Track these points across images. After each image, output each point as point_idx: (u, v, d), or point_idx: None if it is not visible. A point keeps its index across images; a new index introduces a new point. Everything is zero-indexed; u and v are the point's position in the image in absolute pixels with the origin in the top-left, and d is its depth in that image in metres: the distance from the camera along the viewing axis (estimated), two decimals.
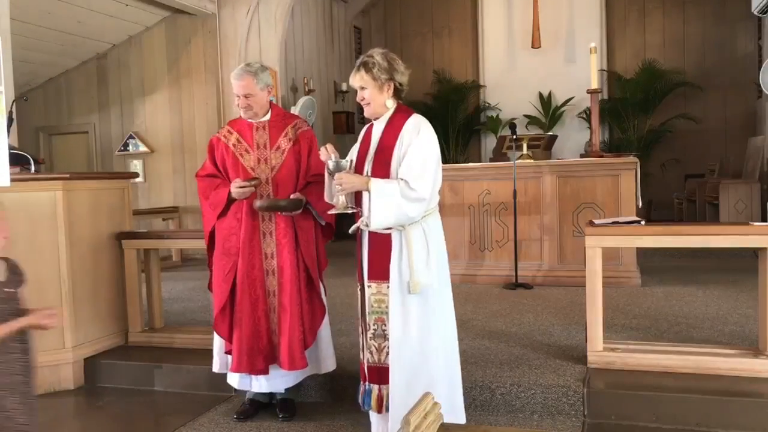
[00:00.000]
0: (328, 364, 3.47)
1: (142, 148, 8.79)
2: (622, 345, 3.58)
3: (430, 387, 2.66)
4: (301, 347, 3.29)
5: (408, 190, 2.63)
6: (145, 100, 8.79)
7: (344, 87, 10.65)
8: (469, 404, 3.35)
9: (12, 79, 5.27)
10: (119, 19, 8.17)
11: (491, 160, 8.08)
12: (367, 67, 2.75)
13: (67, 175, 4.06)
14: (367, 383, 2.84)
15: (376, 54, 2.78)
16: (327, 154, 2.78)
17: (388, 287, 2.74)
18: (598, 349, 3.47)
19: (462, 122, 10.94)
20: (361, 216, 2.81)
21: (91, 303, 4.21)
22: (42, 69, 8.79)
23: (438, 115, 10.80)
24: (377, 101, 2.78)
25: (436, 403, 1.86)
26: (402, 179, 2.65)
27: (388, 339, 2.75)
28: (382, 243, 2.75)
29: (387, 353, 2.75)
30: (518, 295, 5.50)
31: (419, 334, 2.73)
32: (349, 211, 2.79)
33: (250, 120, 3.37)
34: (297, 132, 3.38)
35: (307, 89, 9.36)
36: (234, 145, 3.34)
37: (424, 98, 11.02)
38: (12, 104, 4.44)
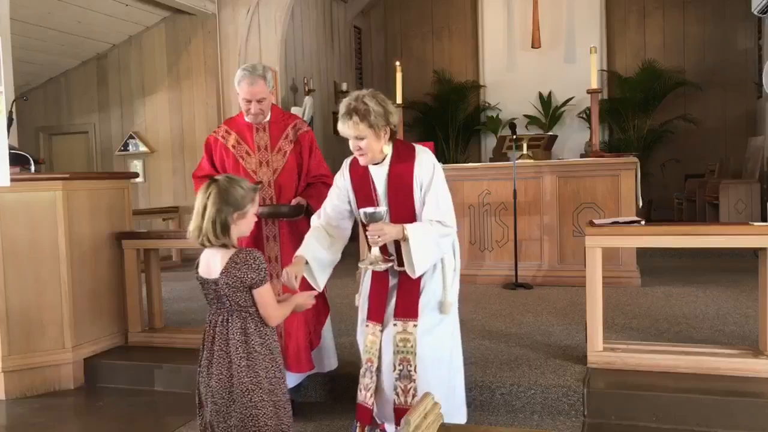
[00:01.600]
0: (331, 363, 3.49)
1: (142, 148, 8.78)
2: (622, 345, 3.58)
3: (445, 396, 2.65)
4: (308, 349, 3.30)
5: (443, 228, 2.61)
6: (145, 101, 8.78)
7: (344, 87, 10.64)
8: (469, 404, 3.34)
9: (12, 79, 5.27)
10: (119, 19, 8.17)
11: (491, 160, 8.07)
12: (360, 114, 2.53)
13: (67, 175, 4.06)
14: (394, 426, 2.75)
15: (367, 99, 2.56)
16: (291, 280, 2.56)
17: (414, 325, 2.68)
18: (598, 349, 3.47)
19: (462, 122, 10.93)
20: (390, 256, 2.72)
21: (91, 303, 4.21)
22: (42, 69, 8.78)
23: (438, 115, 10.80)
24: (376, 149, 2.63)
25: (436, 404, 1.86)
26: (435, 220, 2.61)
27: (414, 380, 2.67)
28: (411, 280, 2.68)
29: (413, 394, 2.67)
30: (518, 295, 5.50)
31: (442, 353, 2.72)
32: (382, 268, 2.61)
33: (242, 115, 3.33)
34: (297, 133, 3.37)
35: (307, 89, 9.35)
36: (234, 147, 3.32)
37: (424, 98, 11.01)
38: (12, 104, 4.44)
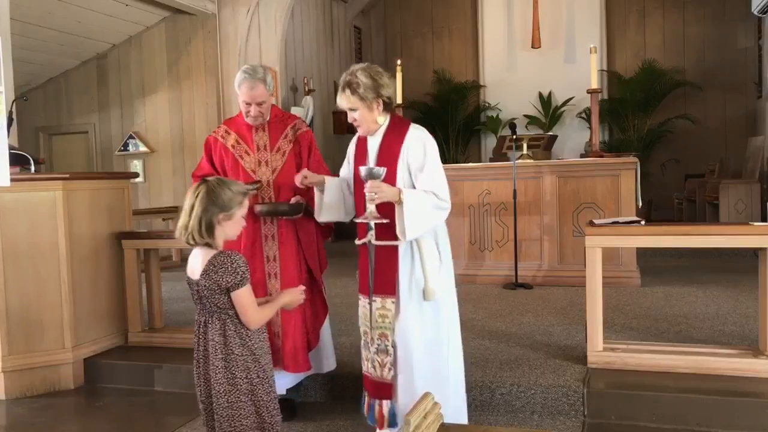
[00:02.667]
0: (329, 364, 3.48)
1: (142, 148, 8.78)
2: (622, 345, 3.58)
3: (441, 393, 2.65)
4: (305, 350, 3.29)
5: (438, 201, 2.67)
6: (145, 100, 8.79)
7: None
8: (469, 404, 3.34)
9: (12, 79, 5.27)
10: (119, 19, 8.17)
11: (491, 160, 8.07)
12: (352, 87, 2.71)
13: (67, 175, 4.06)
14: (370, 397, 2.83)
15: (359, 72, 2.73)
16: (300, 176, 2.83)
17: (392, 302, 2.73)
18: (598, 349, 3.47)
19: (462, 122, 10.93)
20: (368, 229, 2.77)
21: (91, 303, 4.21)
22: (42, 69, 8.78)
23: (438, 115, 10.80)
24: (368, 120, 2.76)
25: (436, 403, 1.86)
26: (430, 191, 2.67)
27: (390, 355, 2.73)
28: (388, 257, 2.74)
29: (389, 368, 2.74)
30: (518, 295, 5.50)
31: (434, 345, 2.74)
32: (376, 222, 2.70)
33: (242, 115, 3.34)
34: (296, 133, 3.37)
35: (307, 89, 9.36)
36: (233, 147, 3.32)
37: (424, 98, 11.01)
38: (12, 104, 4.44)
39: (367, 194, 2.63)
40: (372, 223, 2.72)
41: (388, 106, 2.78)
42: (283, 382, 3.38)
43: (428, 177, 2.69)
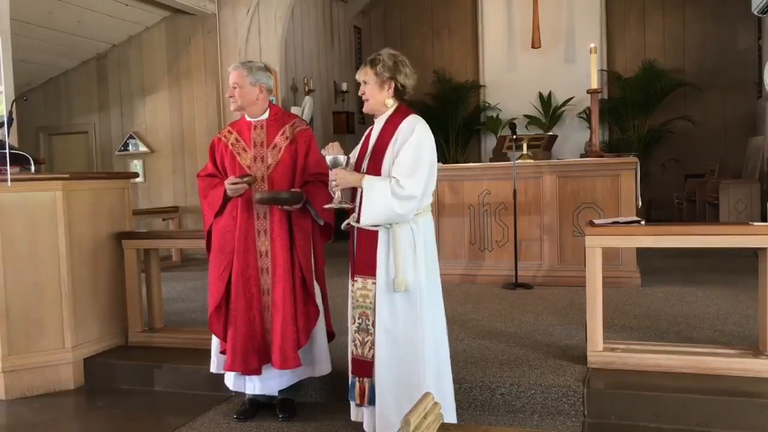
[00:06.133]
0: (323, 368, 3.43)
1: (142, 148, 8.79)
2: (622, 345, 3.57)
3: (416, 384, 2.68)
4: (294, 346, 3.23)
5: (398, 188, 2.64)
6: (145, 100, 8.79)
7: (344, 87, 10.65)
8: (469, 404, 3.35)
9: (12, 79, 5.27)
10: (119, 19, 8.17)
11: (491, 160, 8.08)
12: (373, 63, 2.82)
13: (67, 175, 4.06)
14: (352, 375, 2.88)
15: (384, 53, 2.85)
16: (330, 150, 2.82)
17: (373, 283, 2.78)
18: (598, 349, 3.47)
19: (462, 122, 10.95)
20: (353, 212, 2.85)
21: (91, 303, 4.21)
22: (42, 69, 8.78)
23: (438, 115, 10.81)
24: (376, 98, 2.83)
25: (436, 403, 1.86)
26: (393, 177, 2.68)
27: (371, 334, 2.78)
28: (368, 239, 2.80)
29: (369, 347, 2.79)
30: (518, 295, 5.50)
31: (406, 331, 2.73)
32: (344, 206, 2.82)
33: (244, 115, 3.39)
34: (295, 131, 3.38)
35: (307, 89, 9.36)
36: (233, 144, 3.36)
37: (424, 98, 11.01)
38: (12, 104, 4.44)
39: (330, 181, 2.78)
40: (356, 207, 2.81)
41: (400, 93, 2.84)
42: (276, 382, 3.35)
43: (398, 162, 2.70)
